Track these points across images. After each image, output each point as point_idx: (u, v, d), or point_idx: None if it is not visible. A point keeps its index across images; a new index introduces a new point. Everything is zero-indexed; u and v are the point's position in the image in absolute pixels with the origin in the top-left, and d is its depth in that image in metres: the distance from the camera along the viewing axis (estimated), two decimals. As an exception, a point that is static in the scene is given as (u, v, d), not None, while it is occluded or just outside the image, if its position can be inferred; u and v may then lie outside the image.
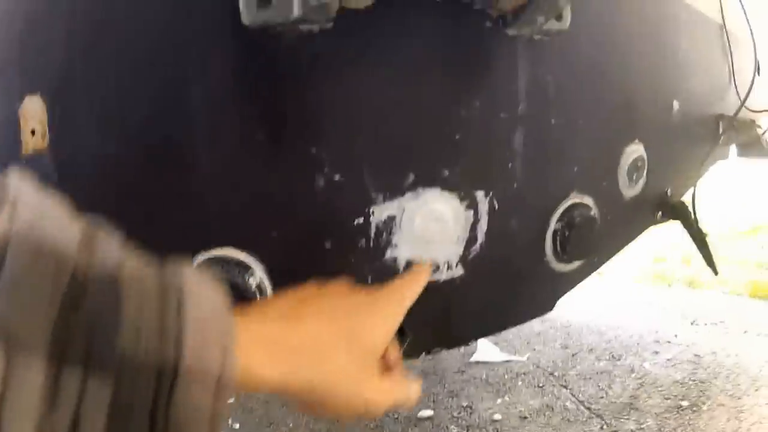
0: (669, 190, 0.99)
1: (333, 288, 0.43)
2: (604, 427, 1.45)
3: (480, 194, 0.69)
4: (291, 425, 1.57)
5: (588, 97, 0.78)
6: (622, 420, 1.48)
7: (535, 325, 2.12)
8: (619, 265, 2.88)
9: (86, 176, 0.59)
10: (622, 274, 2.89)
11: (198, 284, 0.30)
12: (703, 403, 1.53)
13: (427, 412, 1.58)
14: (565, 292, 0.89)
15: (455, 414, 1.57)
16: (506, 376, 1.77)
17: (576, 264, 0.84)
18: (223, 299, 0.30)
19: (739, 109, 1.13)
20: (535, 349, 1.96)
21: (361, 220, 0.63)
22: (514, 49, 0.68)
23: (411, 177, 0.64)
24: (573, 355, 1.89)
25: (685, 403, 1.54)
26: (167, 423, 0.26)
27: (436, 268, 0.70)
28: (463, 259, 0.71)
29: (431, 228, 0.66)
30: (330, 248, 0.64)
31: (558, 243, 0.79)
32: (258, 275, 0.60)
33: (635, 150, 0.86)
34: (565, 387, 1.68)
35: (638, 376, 1.72)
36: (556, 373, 1.77)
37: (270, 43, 0.57)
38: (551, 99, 0.73)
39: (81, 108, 0.58)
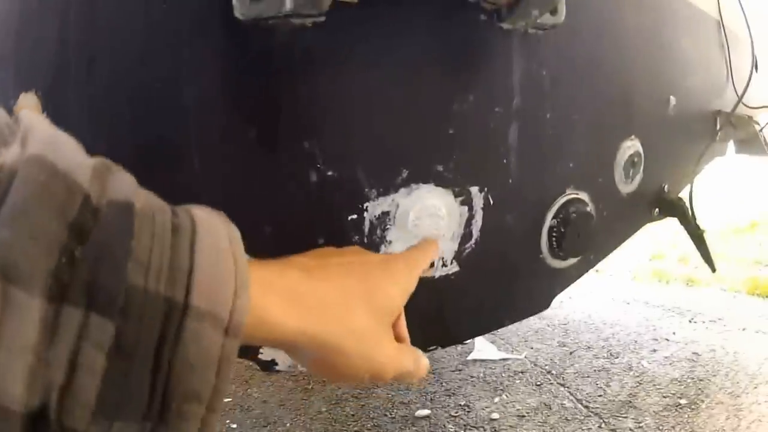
0: (666, 187, 0.99)
1: (349, 250, 0.44)
2: (602, 425, 1.45)
3: (475, 190, 0.69)
4: (288, 425, 1.56)
5: (584, 91, 0.77)
6: (620, 418, 1.48)
7: (532, 322, 2.12)
8: (617, 262, 2.88)
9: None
10: (619, 272, 2.89)
11: (212, 225, 0.28)
12: (702, 401, 1.53)
13: (425, 411, 1.58)
14: (562, 289, 0.89)
15: (452, 413, 1.57)
16: (504, 375, 1.77)
17: (572, 261, 0.84)
18: (238, 241, 0.29)
19: (737, 106, 1.13)
20: (532, 347, 1.96)
21: (354, 216, 0.63)
22: (509, 43, 0.68)
23: (405, 172, 0.63)
24: (571, 353, 1.89)
25: (683, 401, 1.54)
26: (172, 364, 0.24)
27: (431, 265, 0.69)
28: (458, 256, 0.71)
29: (425, 224, 0.65)
30: (323, 244, 0.63)
31: (554, 239, 0.78)
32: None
33: (632, 145, 0.86)
34: (563, 385, 1.68)
35: (636, 374, 1.72)
36: (553, 372, 1.77)
37: (262, 36, 0.56)
38: (546, 93, 0.72)
39: (73, 105, 0.58)
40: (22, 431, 0.20)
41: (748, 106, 1.20)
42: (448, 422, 1.52)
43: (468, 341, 1.89)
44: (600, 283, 2.65)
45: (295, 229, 0.62)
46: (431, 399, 1.65)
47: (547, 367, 1.80)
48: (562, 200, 0.78)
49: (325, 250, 0.43)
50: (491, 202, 0.70)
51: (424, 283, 0.70)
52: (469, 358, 1.89)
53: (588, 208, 0.80)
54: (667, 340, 1.95)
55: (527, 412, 1.54)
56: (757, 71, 1.27)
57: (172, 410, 0.24)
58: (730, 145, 1.44)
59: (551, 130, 0.74)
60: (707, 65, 1.09)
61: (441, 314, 0.74)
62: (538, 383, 1.70)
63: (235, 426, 1.57)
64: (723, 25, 1.11)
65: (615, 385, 1.65)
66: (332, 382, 1.65)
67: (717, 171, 1.75)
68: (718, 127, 1.12)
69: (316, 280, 0.36)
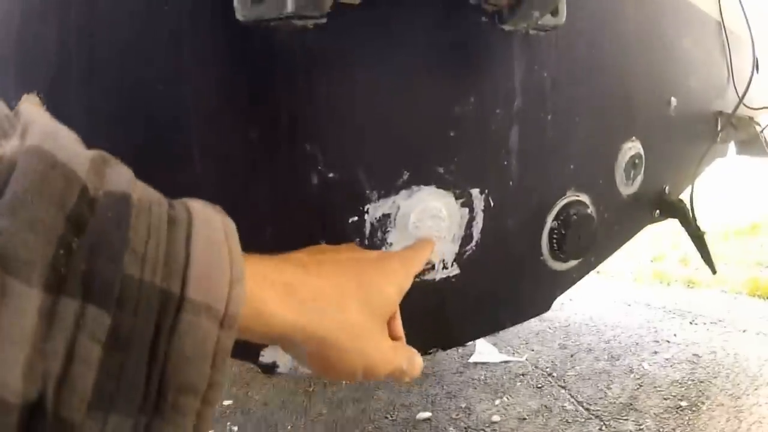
0: (667, 188, 0.99)
1: (345, 248, 0.45)
2: (603, 428, 1.45)
3: (475, 192, 0.69)
4: (289, 428, 1.56)
5: (585, 93, 0.77)
6: (621, 421, 1.47)
7: (533, 324, 2.11)
8: (618, 264, 2.88)
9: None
10: (620, 273, 2.89)
11: (209, 217, 0.29)
12: (703, 403, 1.52)
13: (426, 414, 1.58)
14: (563, 291, 0.88)
15: (453, 415, 1.57)
16: (505, 377, 1.77)
17: (573, 262, 0.84)
18: (234, 234, 0.29)
19: (738, 106, 1.13)
20: (533, 350, 1.95)
21: (355, 218, 0.63)
22: (510, 45, 0.68)
23: (406, 174, 0.63)
24: (572, 356, 1.89)
25: (684, 403, 1.53)
26: (168, 356, 0.24)
27: (432, 267, 0.69)
28: (459, 258, 0.70)
29: (426, 226, 0.65)
30: (324, 246, 0.63)
31: (555, 241, 0.78)
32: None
33: (632, 147, 0.85)
34: (564, 388, 1.67)
35: (637, 376, 1.71)
36: (554, 374, 1.76)
37: (264, 38, 0.56)
38: (547, 95, 0.72)
39: (74, 105, 0.58)
40: (18, 423, 0.20)
41: (749, 107, 1.20)
42: (449, 425, 1.52)
43: (469, 343, 1.89)
44: (601, 285, 2.64)
45: (296, 230, 0.62)
46: (432, 401, 1.64)
47: (548, 370, 1.80)
48: (562, 202, 0.78)
49: (321, 247, 0.44)
50: (492, 204, 0.70)
51: (424, 285, 0.70)
52: (470, 360, 1.89)
53: (589, 210, 0.80)
54: (668, 341, 1.95)
55: (528, 415, 1.54)
56: (758, 72, 1.27)
57: (168, 402, 0.24)
58: (731, 147, 1.43)
59: (552, 132, 0.74)
60: (708, 66, 1.09)
61: (442, 316, 0.74)
62: (539, 386, 1.70)
63: (236, 428, 1.57)
64: (724, 26, 1.11)
65: (616, 388, 1.65)
66: (326, 378, 1.64)
67: (718, 172, 1.75)
68: (719, 128, 1.12)
69: (312, 276, 0.37)
